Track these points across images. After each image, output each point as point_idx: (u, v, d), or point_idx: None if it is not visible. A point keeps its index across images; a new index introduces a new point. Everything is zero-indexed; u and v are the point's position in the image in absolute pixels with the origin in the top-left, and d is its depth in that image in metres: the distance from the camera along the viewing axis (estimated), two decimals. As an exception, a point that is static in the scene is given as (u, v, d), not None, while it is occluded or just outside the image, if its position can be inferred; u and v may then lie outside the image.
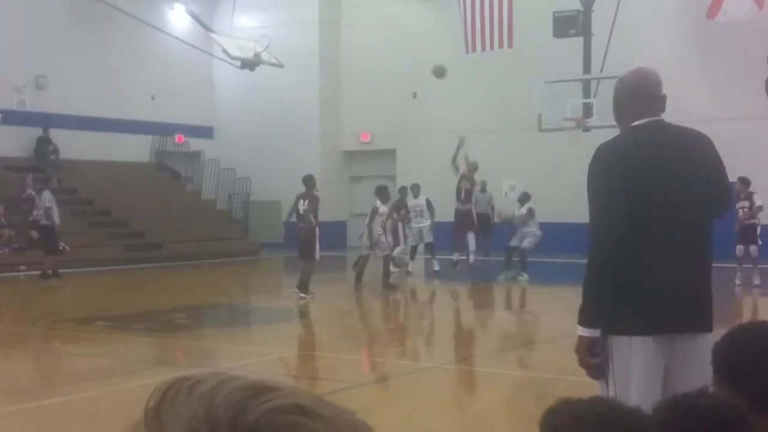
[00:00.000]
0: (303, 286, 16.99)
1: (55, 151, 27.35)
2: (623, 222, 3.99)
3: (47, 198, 21.35)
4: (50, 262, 21.00)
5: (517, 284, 19.75)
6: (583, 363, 4.12)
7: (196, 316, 16.13)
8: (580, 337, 4.08)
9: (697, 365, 3.98)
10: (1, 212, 23.33)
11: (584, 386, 4.25)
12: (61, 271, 21.23)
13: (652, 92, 4.23)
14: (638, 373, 3.98)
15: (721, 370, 2.64)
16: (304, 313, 16.23)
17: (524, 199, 21.07)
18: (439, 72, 21.70)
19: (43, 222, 21.26)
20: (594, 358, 4.06)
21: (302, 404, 0.76)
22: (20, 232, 23.27)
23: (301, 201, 17.18)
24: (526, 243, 20.30)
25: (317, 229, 17.25)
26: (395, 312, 17.86)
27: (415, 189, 22.46)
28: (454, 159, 22.20)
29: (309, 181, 17.56)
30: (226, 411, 0.75)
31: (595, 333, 4.07)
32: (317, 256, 17.23)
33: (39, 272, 20.91)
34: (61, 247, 22.29)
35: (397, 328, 15.55)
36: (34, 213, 23.52)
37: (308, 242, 17.09)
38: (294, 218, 17.47)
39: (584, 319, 4.08)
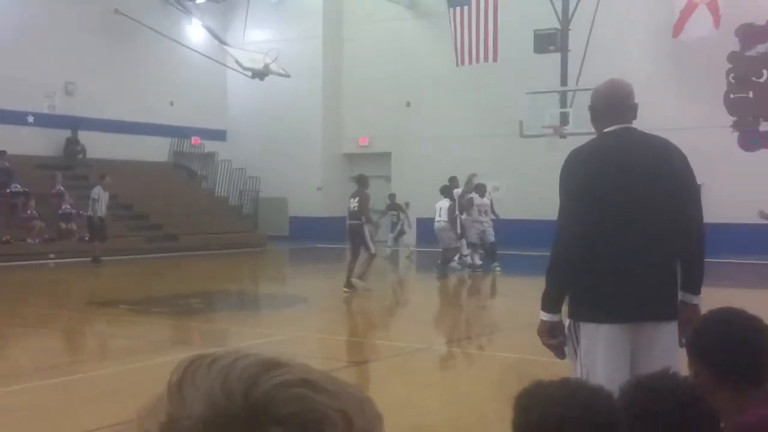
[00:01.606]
0: (348, 282, 16.07)
1: (83, 150, 27.35)
2: (585, 219, 3.96)
3: (94, 191, 21.67)
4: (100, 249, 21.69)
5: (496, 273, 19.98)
6: (544, 344, 4.15)
7: (210, 300, 16.12)
8: (542, 321, 4.11)
9: (661, 350, 3.98)
10: (32, 206, 23.34)
11: (558, 366, 4.26)
12: (86, 259, 21.42)
13: (624, 101, 4.19)
14: (604, 358, 3.97)
15: (691, 349, 2.67)
16: (307, 299, 16.19)
17: (484, 190, 21.00)
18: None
19: (89, 213, 21.62)
20: (552, 340, 4.09)
21: (310, 379, 0.76)
22: (50, 224, 23.27)
23: (352, 199, 16.42)
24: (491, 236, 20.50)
25: (365, 226, 16.23)
26: (392, 299, 17.80)
27: (481, 188, 20.85)
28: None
29: (360, 180, 16.73)
30: (240, 384, 0.75)
31: (554, 318, 4.08)
32: (372, 249, 16.17)
33: (91, 258, 21.59)
34: (86, 238, 22.39)
35: (392, 314, 15.54)
36: (63, 206, 23.61)
37: (359, 238, 16.21)
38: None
39: (545, 305, 4.10)
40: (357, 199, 16.26)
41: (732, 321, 2.65)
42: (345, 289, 15.95)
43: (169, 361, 9.59)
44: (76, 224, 23.38)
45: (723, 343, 2.58)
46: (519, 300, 14.88)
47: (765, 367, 2.59)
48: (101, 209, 21.67)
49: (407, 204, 25.21)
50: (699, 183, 4.38)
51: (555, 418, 1.80)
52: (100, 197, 21.63)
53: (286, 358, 0.80)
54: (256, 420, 0.73)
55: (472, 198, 20.25)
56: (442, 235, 19.68)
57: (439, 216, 19.76)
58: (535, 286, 4.24)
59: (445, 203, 19.85)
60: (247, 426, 0.73)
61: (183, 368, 0.80)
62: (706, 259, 4.23)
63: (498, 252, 20.63)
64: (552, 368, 4.25)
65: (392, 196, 25.40)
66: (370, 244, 16.14)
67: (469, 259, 20.55)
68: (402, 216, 25.02)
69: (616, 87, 4.27)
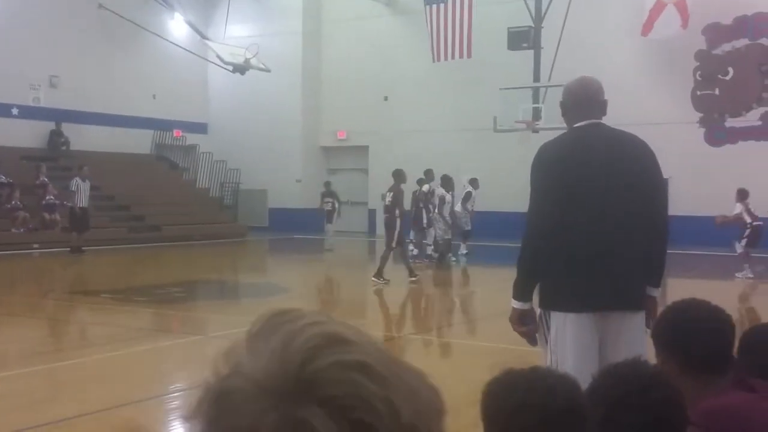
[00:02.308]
0: (378, 273, 15.83)
1: (66, 143, 27.16)
2: (554, 212, 3.97)
3: (72, 183, 21.60)
4: (77, 240, 21.64)
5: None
6: (515, 330, 4.18)
7: (191, 290, 16.06)
8: (513, 309, 4.13)
9: (627, 339, 4.00)
10: (17, 196, 23.16)
11: (531, 354, 4.29)
12: (68, 249, 21.38)
13: (593, 98, 4.21)
14: (573, 345, 3.99)
15: (656, 339, 2.70)
16: (284, 288, 16.16)
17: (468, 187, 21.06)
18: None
19: (70, 204, 21.55)
20: (523, 327, 4.12)
21: (367, 362, 0.74)
22: (34, 215, 23.11)
23: (388, 193, 16.55)
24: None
25: (398, 220, 16.21)
26: (366, 287, 17.79)
27: (447, 182, 20.48)
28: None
29: (396, 174, 16.65)
30: (298, 354, 0.74)
31: (525, 306, 4.11)
32: (394, 244, 16.19)
33: (69, 249, 21.48)
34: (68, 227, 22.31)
35: (366, 302, 15.54)
36: (47, 197, 23.44)
37: (387, 230, 16.31)
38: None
39: (517, 294, 4.12)
40: (391, 193, 16.42)
41: (696, 311, 2.68)
42: (411, 279, 16.00)
43: (150, 348, 9.58)
44: (59, 215, 23.22)
45: (687, 333, 2.61)
46: (492, 290, 14.91)
47: (728, 356, 2.63)
48: (81, 200, 21.59)
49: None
50: (666, 177, 4.40)
51: (517, 403, 1.82)
52: (79, 188, 21.55)
53: (356, 333, 0.77)
54: (302, 396, 0.72)
55: (432, 191, 20.10)
56: (436, 226, 19.81)
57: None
58: (509, 276, 4.25)
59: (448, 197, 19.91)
60: (292, 400, 0.72)
61: (264, 321, 0.79)
62: (671, 251, 4.25)
63: (470, 243, 20.77)
64: (525, 356, 4.28)
65: (327, 184, 24.61)
66: (394, 240, 16.18)
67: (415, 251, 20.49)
68: (337, 204, 24.23)
69: (585, 84, 4.28)
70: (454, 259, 20.30)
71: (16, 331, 11.33)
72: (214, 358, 0.78)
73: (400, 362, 0.78)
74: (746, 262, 17.13)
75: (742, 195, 17.65)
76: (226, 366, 0.77)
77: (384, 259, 16.12)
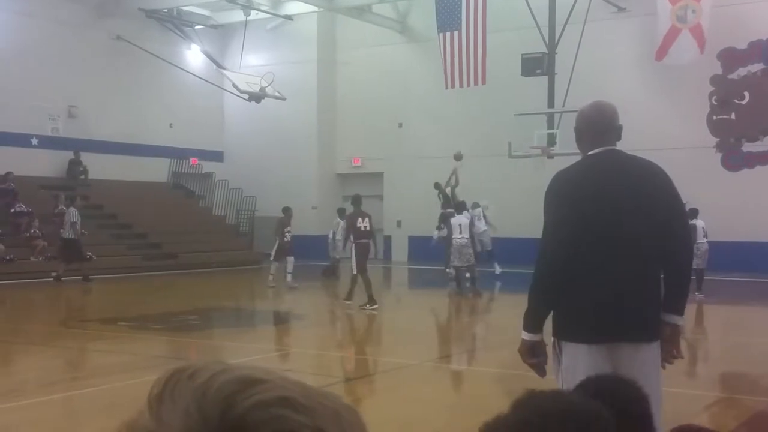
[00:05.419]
0: (369, 300, 15.98)
1: (85, 172, 27.33)
2: (568, 243, 3.90)
3: (74, 214, 21.56)
4: (84, 269, 21.60)
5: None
6: (525, 362, 4.10)
7: (207, 317, 16.07)
8: (523, 340, 4.04)
9: (641, 370, 3.90)
10: (36, 225, 23.30)
11: (540, 382, 4.22)
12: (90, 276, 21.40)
13: (607, 123, 4.12)
14: (584, 377, 3.90)
15: None
16: (300, 316, 16.13)
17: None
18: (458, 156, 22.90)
19: (68, 235, 21.46)
20: (533, 359, 4.03)
21: (287, 396, 0.73)
22: (52, 243, 23.21)
23: (360, 219, 16.37)
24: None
25: (353, 246, 16.23)
26: (384, 315, 17.74)
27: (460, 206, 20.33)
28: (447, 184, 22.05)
29: (356, 200, 16.84)
30: (216, 405, 0.71)
31: (535, 338, 4.01)
32: (354, 270, 16.14)
33: (52, 277, 21.42)
34: (88, 256, 22.35)
35: (381, 328, 15.49)
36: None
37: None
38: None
39: (527, 325, 4.03)
40: (367, 219, 16.41)
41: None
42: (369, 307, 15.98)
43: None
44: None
45: None
46: (507, 316, 14.82)
47: None
48: (78, 230, 21.69)
49: (399, 222, 25.13)
50: (683, 202, 4.31)
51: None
52: (78, 219, 21.68)
53: (264, 372, 0.76)
54: None
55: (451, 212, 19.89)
56: (464, 251, 18.96)
57: (460, 233, 18.93)
58: (517, 302, 4.19)
59: (465, 219, 19.20)
60: None
61: (163, 382, 0.76)
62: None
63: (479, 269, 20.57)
64: (535, 383, 4.23)
65: (286, 210, 21.10)
66: (353, 266, 16.17)
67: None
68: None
69: (599, 109, 4.18)
70: None
71: (33, 359, 11.36)
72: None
73: (316, 389, 0.77)
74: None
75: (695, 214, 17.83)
76: None
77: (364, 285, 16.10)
